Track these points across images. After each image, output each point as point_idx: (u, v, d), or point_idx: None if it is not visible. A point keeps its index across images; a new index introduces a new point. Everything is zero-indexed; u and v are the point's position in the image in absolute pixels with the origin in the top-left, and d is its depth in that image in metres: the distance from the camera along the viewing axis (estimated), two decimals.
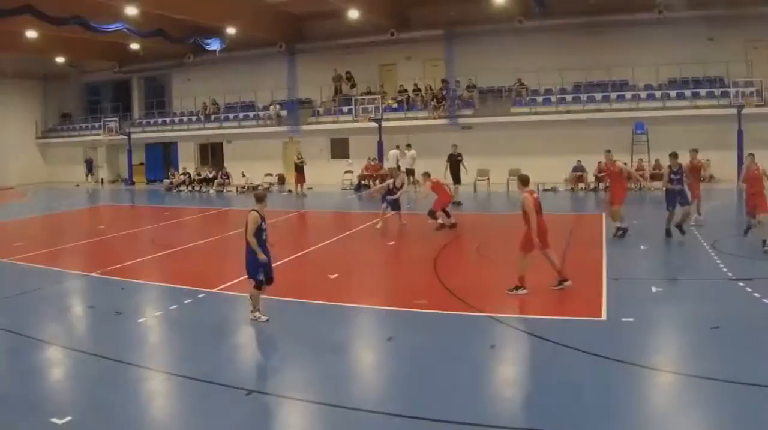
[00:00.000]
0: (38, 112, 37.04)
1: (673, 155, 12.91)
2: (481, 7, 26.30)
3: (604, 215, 15.66)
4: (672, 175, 12.62)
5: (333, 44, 29.07)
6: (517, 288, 8.80)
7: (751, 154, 13.03)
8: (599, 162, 20.75)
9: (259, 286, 7.89)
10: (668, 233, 12.65)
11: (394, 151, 25.47)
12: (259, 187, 22.60)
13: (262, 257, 7.75)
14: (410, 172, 24.88)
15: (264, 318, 7.95)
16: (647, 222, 14.20)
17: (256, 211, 7.84)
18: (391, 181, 15.81)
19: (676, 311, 8.14)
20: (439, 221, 15.13)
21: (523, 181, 9.08)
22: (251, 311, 8.01)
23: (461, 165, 20.48)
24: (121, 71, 34.50)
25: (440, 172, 25.98)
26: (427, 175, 15.73)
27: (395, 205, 15.55)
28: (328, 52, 29.37)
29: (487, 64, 27.14)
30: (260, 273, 7.82)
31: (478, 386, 6.01)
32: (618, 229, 12.90)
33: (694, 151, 14.50)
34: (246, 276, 8.09)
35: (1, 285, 10.71)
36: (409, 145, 25.02)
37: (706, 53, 25.92)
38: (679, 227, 12.55)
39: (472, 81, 27.43)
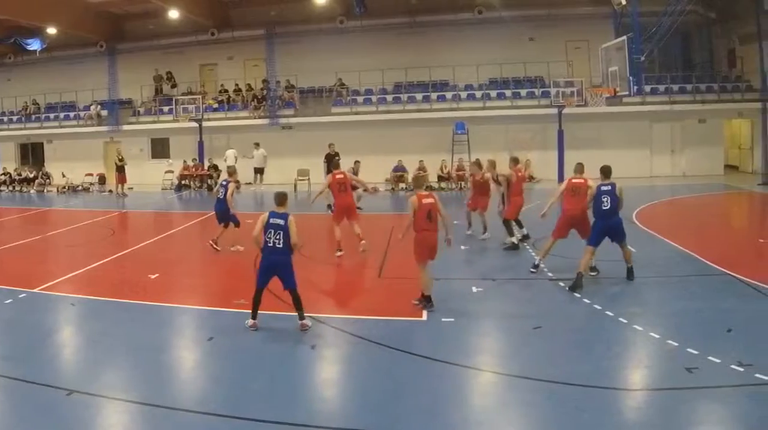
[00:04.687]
0: None
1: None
2: (302, 7, 26.10)
3: None
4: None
5: (154, 44, 28.38)
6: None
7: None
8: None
9: None
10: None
11: (231, 151, 24.97)
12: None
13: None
14: (259, 170, 24.39)
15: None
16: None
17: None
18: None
19: (496, 311, 8.17)
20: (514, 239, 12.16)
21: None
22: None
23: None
24: None
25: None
26: (515, 161, 12.53)
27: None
28: (149, 51, 28.69)
29: (309, 64, 26.83)
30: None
31: (299, 386, 6.04)
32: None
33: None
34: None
35: None
36: (257, 144, 24.48)
37: (527, 53, 26.13)
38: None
39: (291, 81, 27.09)
